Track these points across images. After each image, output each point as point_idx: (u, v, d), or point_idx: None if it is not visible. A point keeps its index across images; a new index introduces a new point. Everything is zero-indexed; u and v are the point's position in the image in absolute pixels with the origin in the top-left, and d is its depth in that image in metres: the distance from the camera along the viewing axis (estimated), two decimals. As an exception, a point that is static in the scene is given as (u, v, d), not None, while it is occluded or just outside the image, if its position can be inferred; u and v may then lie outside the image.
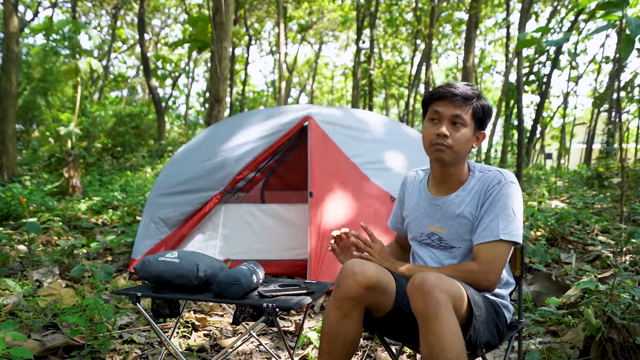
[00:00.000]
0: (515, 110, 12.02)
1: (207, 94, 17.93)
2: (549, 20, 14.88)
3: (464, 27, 15.85)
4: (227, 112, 17.42)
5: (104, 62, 22.52)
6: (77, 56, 7.59)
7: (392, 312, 1.69)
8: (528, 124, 15.14)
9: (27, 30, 16.30)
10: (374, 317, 1.71)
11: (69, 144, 7.92)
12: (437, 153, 1.70)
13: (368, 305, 1.65)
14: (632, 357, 2.16)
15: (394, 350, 2.02)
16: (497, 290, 1.77)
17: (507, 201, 1.67)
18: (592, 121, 14.47)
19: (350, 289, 1.59)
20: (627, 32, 3.10)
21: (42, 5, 19.59)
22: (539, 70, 13.28)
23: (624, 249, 3.74)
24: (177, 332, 2.82)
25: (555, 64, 12.92)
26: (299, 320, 3.13)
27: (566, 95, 15.27)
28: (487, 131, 1.81)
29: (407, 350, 2.59)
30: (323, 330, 1.64)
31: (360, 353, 2.61)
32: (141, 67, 19.30)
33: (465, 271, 1.67)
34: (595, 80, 16.10)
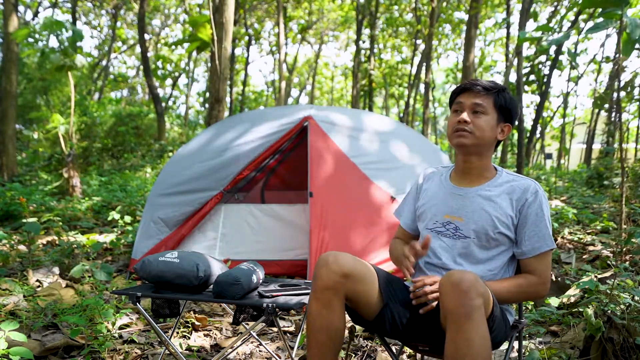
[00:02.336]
0: (515, 110, 11.97)
1: (207, 94, 17.92)
2: (549, 20, 14.88)
3: (464, 27, 15.85)
4: (227, 112, 17.43)
5: (104, 62, 22.53)
6: (78, 56, 7.56)
7: (385, 310, 1.69)
8: (528, 124, 15.16)
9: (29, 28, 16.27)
10: (365, 315, 1.71)
11: (63, 145, 7.90)
12: (458, 139, 1.74)
13: (350, 297, 1.65)
14: (632, 357, 2.16)
15: (394, 350, 2.02)
16: None
17: (547, 210, 1.73)
18: (592, 121, 14.46)
19: (327, 278, 1.60)
20: (627, 31, 3.10)
21: (42, 5, 19.59)
22: (539, 70, 13.27)
23: (624, 249, 3.74)
24: (177, 332, 2.82)
25: (555, 64, 12.91)
26: (299, 320, 3.13)
27: (566, 95, 15.27)
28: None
29: (407, 350, 2.59)
30: (307, 324, 1.64)
31: (360, 353, 2.61)
32: (141, 67, 19.30)
33: (528, 287, 1.72)
34: (595, 80, 16.11)
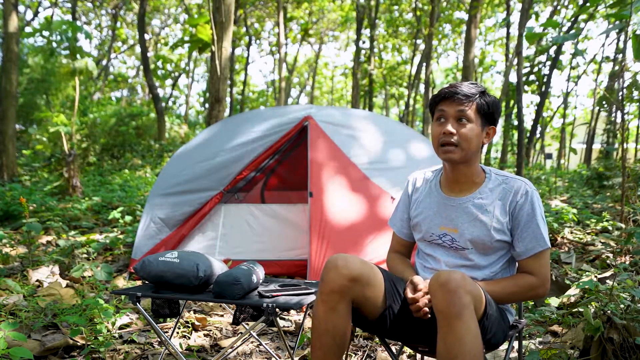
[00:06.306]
0: (515, 110, 12.02)
1: (207, 94, 17.92)
2: (549, 20, 14.87)
3: (464, 27, 15.84)
4: (227, 112, 17.43)
5: (104, 62, 22.53)
6: (78, 56, 7.57)
7: (387, 312, 1.69)
8: (528, 124, 15.16)
9: (28, 29, 16.30)
10: (368, 316, 1.71)
11: (65, 145, 7.92)
12: (446, 154, 1.72)
13: (357, 301, 1.64)
14: (632, 357, 2.16)
15: (394, 350, 2.02)
16: None
17: (539, 209, 1.71)
18: (592, 121, 14.46)
19: (335, 282, 1.60)
20: (638, 32, 3.07)
21: (42, 5, 19.59)
22: (539, 70, 13.27)
23: (624, 249, 3.74)
24: (177, 332, 2.82)
25: (555, 64, 12.90)
26: (299, 320, 3.13)
27: (566, 95, 15.27)
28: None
29: (407, 350, 2.59)
30: (313, 326, 1.64)
31: (360, 353, 2.61)
32: (141, 67, 19.30)
33: (527, 287, 1.71)
34: (595, 80, 16.10)
